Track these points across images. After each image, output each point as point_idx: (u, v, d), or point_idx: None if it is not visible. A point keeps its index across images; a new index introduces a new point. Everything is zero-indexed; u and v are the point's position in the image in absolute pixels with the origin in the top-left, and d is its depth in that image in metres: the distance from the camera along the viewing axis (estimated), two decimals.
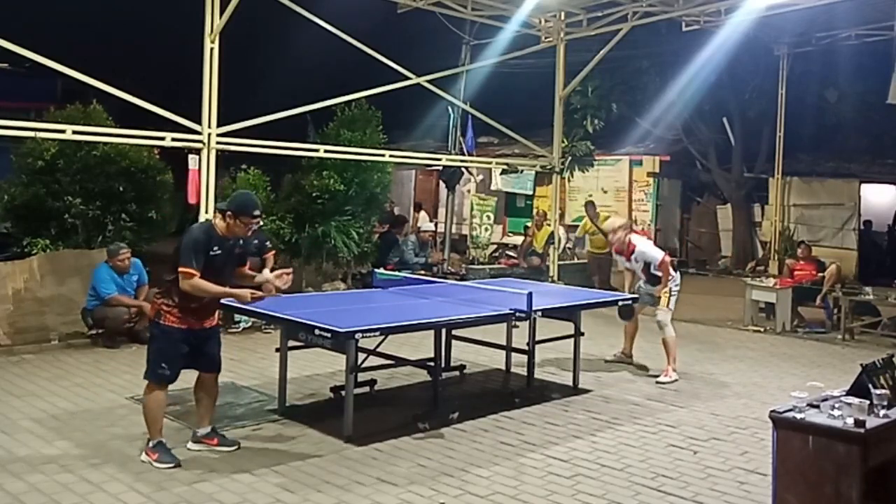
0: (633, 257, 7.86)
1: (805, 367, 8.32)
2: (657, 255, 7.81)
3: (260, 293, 4.89)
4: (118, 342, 8.11)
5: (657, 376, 7.52)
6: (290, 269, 5.31)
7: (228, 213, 4.77)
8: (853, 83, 16.93)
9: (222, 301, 4.99)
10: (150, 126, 9.05)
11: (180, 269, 4.58)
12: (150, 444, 4.77)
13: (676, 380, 7.44)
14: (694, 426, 5.95)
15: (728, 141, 18.91)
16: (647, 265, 7.81)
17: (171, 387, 4.90)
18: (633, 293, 8.06)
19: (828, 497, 3.53)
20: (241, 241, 4.99)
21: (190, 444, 5.02)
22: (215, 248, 4.74)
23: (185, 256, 4.59)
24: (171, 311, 4.70)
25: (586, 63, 13.01)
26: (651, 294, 7.90)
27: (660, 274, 7.71)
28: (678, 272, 8.09)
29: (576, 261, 14.75)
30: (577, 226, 14.97)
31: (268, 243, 9.70)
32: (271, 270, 9.50)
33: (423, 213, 16.67)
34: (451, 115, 14.63)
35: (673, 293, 7.79)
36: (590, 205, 14.26)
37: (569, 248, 15.80)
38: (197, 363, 4.95)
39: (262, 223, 9.60)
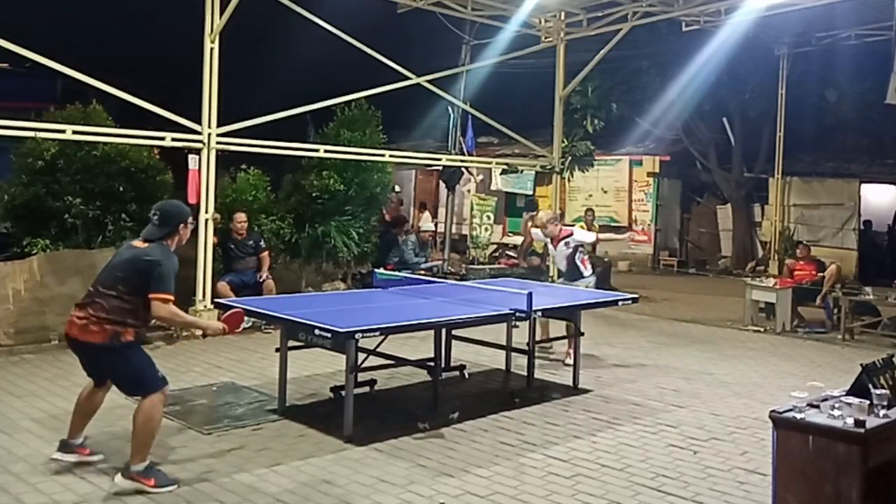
0: (563, 243, 8.36)
1: (805, 367, 8.32)
2: (590, 236, 8.84)
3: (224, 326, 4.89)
4: None
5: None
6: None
7: (182, 224, 4.68)
8: (853, 83, 16.94)
9: (222, 301, 4.97)
10: (150, 126, 9.05)
11: (161, 295, 4.39)
12: (141, 468, 4.38)
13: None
14: (694, 426, 5.95)
15: (728, 141, 18.92)
16: (572, 253, 8.31)
17: (170, 386, 4.90)
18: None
19: (828, 497, 3.53)
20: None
21: (58, 455, 4.70)
22: None
23: (166, 282, 4.43)
24: (127, 332, 4.44)
25: (586, 63, 13.01)
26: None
27: (583, 268, 8.33)
28: (595, 270, 8.79)
29: None
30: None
31: (262, 243, 9.72)
32: (269, 270, 9.62)
33: (426, 214, 16.68)
34: (451, 115, 14.65)
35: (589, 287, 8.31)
36: (589, 211, 14.52)
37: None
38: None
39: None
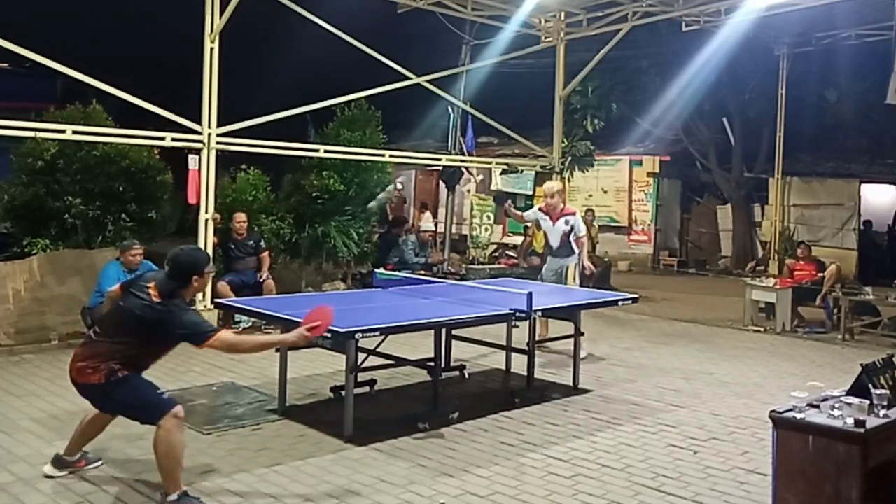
0: (563, 220, 8.56)
1: (805, 367, 8.32)
2: (582, 230, 8.71)
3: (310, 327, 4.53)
4: None
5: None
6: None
7: (195, 276, 4.37)
8: (853, 83, 16.94)
9: (222, 301, 4.92)
10: (150, 126, 9.05)
11: (209, 341, 4.20)
12: (175, 498, 4.12)
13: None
14: (694, 426, 5.95)
15: (728, 141, 18.92)
16: (569, 232, 8.52)
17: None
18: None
19: (828, 497, 3.53)
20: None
21: (50, 469, 4.55)
22: None
23: (201, 325, 4.26)
24: (121, 368, 4.22)
25: (586, 63, 13.00)
26: (557, 271, 8.57)
27: (575, 247, 8.52)
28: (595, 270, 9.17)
29: None
30: None
31: (262, 243, 9.72)
32: (269, 270, 9.62)
33: (427, 214, 16.67)
34: (451, 115, 14.64)
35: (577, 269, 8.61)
36: (589, 211, 14.56)
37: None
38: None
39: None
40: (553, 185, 9.30)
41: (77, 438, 4.65)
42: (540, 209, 8.95)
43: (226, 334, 4.40)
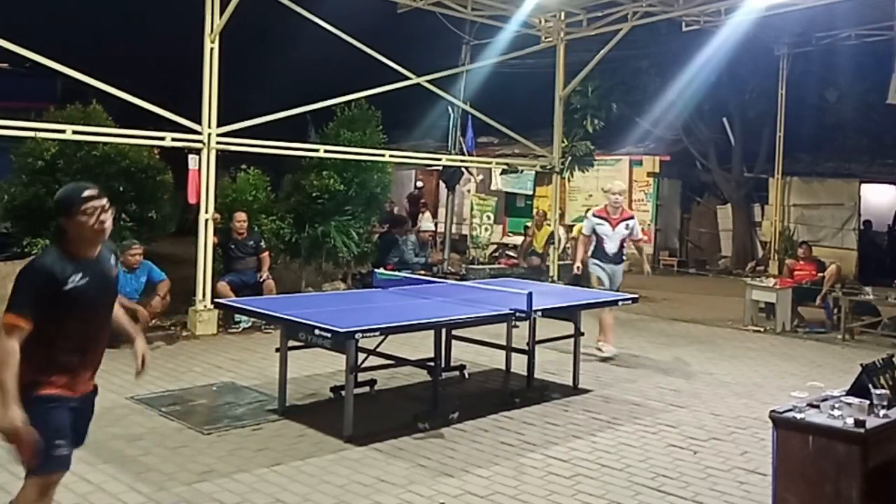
0: (625, 223, 8.47)
1: (805, 367, 8.32)
2: (639, 231, 8.67)
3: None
4: (118, 342, 8.09)
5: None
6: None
7: (64, 219, 3.22)
8: (853, 83, 16.95)
9: (222, 301, 4.88)
10: (150, 126, 9.06)
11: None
12: None
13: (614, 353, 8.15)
14: (694, 426, 5.95)
15: (728, 141, 18.91)
16: (626, 237, 8.44)
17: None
18: (579, 273, 8.66)
19: (828, 497, 3.53)
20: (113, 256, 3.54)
21: None
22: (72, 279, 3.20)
23: (16, 295, 3.11)
24: (42, 380, 3.21)
25: (586, 63, 13.01)
26: (614, 280, 8.47)
27: (631, 249, 8.63)
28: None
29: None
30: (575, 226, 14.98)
31: (262, 243, 9.72)
32: (269, 270, 9.62)
33: (427, 214, 16.66)
34: (451, 115, 14.64)
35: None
36: (589, 211, 14.44)
37: (568, 248, 15.81)
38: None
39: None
40: (619, 184, 9.07)
41: None
42: (595, 215, 8.67)
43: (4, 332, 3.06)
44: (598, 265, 8.47)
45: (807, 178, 17.83)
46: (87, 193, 3.26)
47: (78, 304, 3.22)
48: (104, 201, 3.32)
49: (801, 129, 17.36)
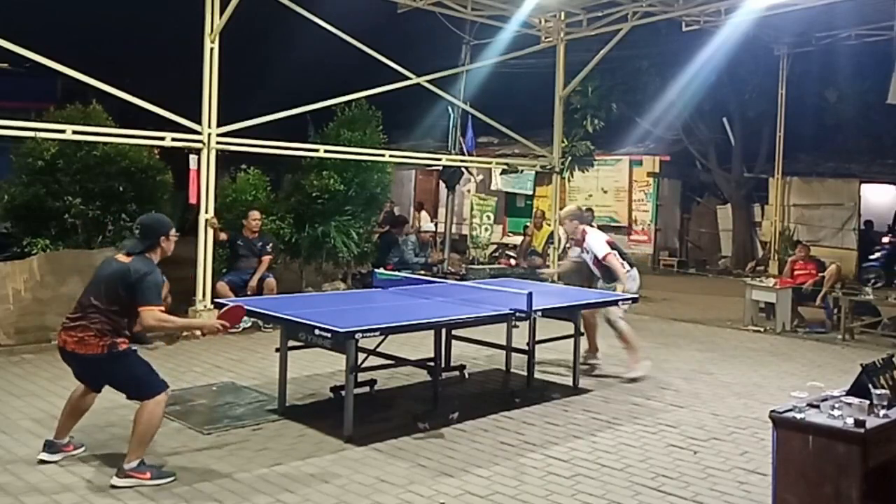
0: (584, 247, 7.68)
1: (805, 367, 8.32)
2: (600, 250, 7.50)
3: (222, 323, 4.81)
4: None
5: (635, 378, 7.39)
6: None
7: (163, 237, 4.74)
8: (853, 83, 16.94)
9: (222, 301, 4.96)
10: (150, 126, 9.06)
11: (149, 308, 4.47)
12: (135, 465, 4.43)
13: (647, 368, 7.52)
14: (694, 426, 5.95)
15: (728, 141, 18.92)
16: (595, 258, 7.57)
17: (170, 386, 4.89)
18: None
19: (828, 497, 3.53)
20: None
21: (45, 455, 4.75)
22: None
23: (153, 293, 4.51)
24: (121, 342, 4.55)
25: (586, 63, 13.01)
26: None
27: (616, 266, 7.48)
28: (635, 268, 7.86)
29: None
30: None
31: (269, 247, 9.73)
32: (269, 270, 9.62)
33: (423, 213, 16.67)
34: (451, 115, 14.64)
35: (630, 290, 7.49)
36: (589, 211, 14.48)
37: (568, 248, 15.82)
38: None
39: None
40: (564, 210, 8.34)
41: (65, 421, 4.84)
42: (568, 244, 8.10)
43: (160, 312, 4.55)
44: (538, 256, 8.02)
45: (807, 178, 17.84)
46: (174, 231, 4.89)
47: None
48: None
49: (801, 129, 17.36)
